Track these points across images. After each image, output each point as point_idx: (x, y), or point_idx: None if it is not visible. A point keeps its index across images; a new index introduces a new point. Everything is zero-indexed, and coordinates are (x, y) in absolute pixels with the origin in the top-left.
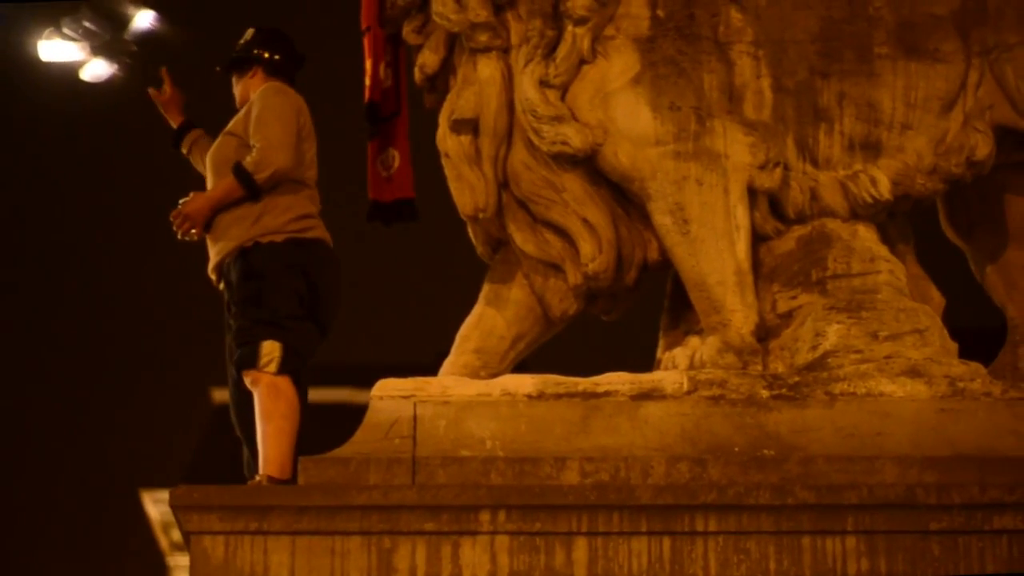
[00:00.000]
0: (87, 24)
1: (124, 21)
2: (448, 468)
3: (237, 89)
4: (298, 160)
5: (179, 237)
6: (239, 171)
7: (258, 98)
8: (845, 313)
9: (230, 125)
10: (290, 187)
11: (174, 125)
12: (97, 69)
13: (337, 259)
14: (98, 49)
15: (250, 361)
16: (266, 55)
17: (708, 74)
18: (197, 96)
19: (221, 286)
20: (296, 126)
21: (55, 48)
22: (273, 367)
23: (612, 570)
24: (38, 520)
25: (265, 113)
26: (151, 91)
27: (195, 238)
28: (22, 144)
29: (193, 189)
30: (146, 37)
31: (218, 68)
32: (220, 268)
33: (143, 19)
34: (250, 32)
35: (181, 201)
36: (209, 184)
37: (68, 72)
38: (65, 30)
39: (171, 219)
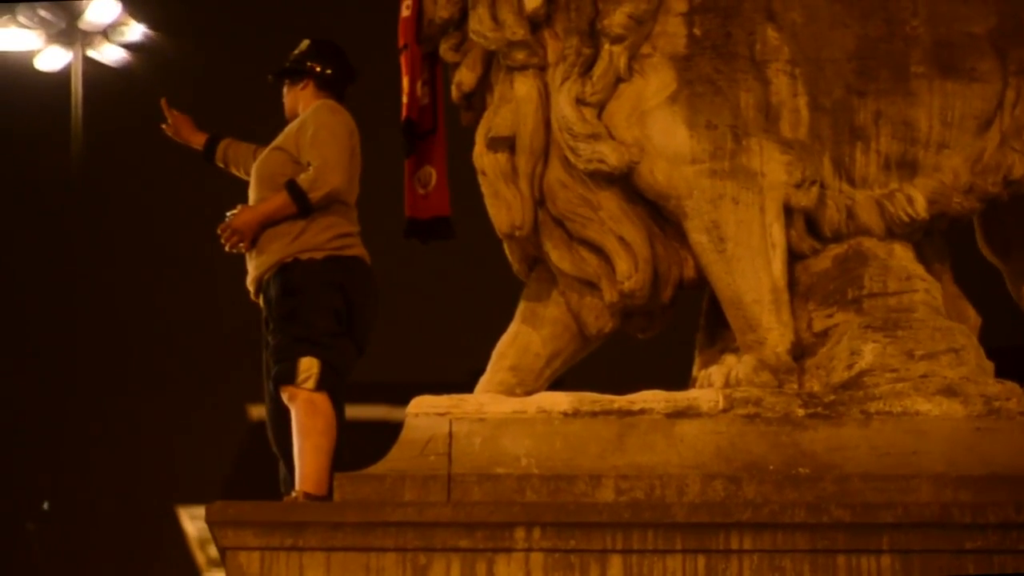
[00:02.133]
0: (42, 13)
1: (79, 10)
2: (483, 485)
3: (287, 99)
4: (349, 180)
5: (227, 249)
6: (293, 189)
7: (312, 116)
8: (881, 332)
9: (279, 140)
10: (333, 206)
11: (198, 146)
12: (52, 58)
13: (375, 277)
14: (53, 38)
15: (288, 377)
16: (319, 68)
17: (744, 92)
18: (194, 95)
19: (259, 300)
20: (350, 146)
21: (10, 37)
22: (311, 384)
23: None
24: (75, 536)
25: (322, 132)
26: (163, 127)
27: (243, 251)
28: None
29: (161, 181)
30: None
31: (270, 77)
32: (259, 283)
33: (98, 9)
34: (305, 43)
35: (229, 213)
36: (252, 195)
37: (23, 61)
38: (20, 19)
39: (219, 232)
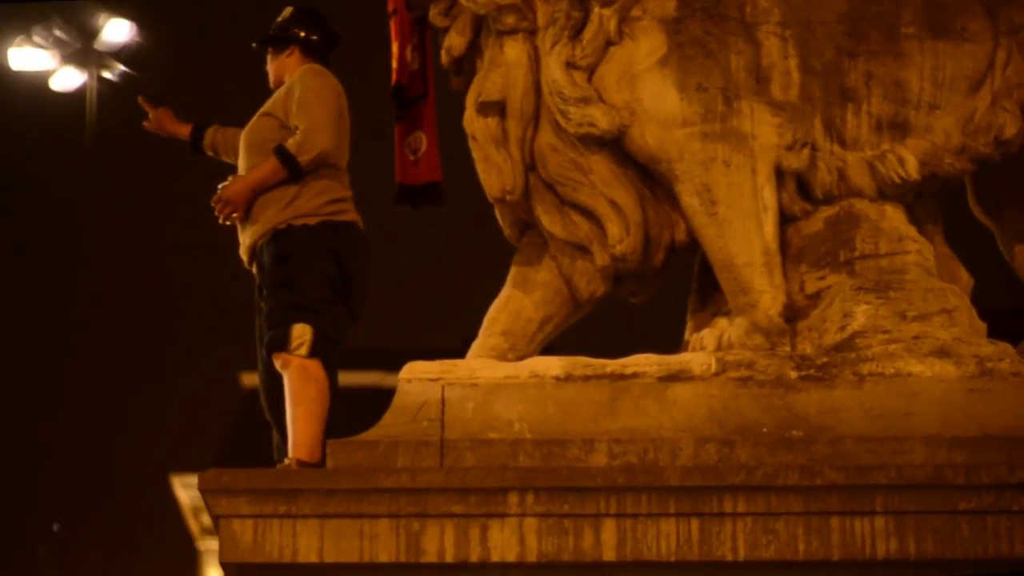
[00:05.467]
0: (58, 33)
1: (95, 30)
2: (476, 450)
3: (271, 67)
4: (338, 143)
5: (220, 222)
6: (282, 153)
7: (298, 80)
8: (873, 293)
9: (267, 106)
10: (324, 170)
11: (184, 136)
12: (67, 78)
13: (369, 243)
14: (68, 58)
15: (281, 344)
16: (303, 34)
17: (735, 55)
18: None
19: (253, 268)
20: (337, 109)
21: (25, 56)
22: (304, 350)
23: (641, 552)
24: (69, 505)
25: (308, 95)
26: (145, 125)
27: (237, 222)
28: None
29: (164, 190)
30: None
31: (254, 44)
32: (253, 250)
33: (113, 30)
34: (288, 10)
35: (220, 185)
36: (242, 163)
37: (38, 81)
38: (36, 38)
39: (212, 204)
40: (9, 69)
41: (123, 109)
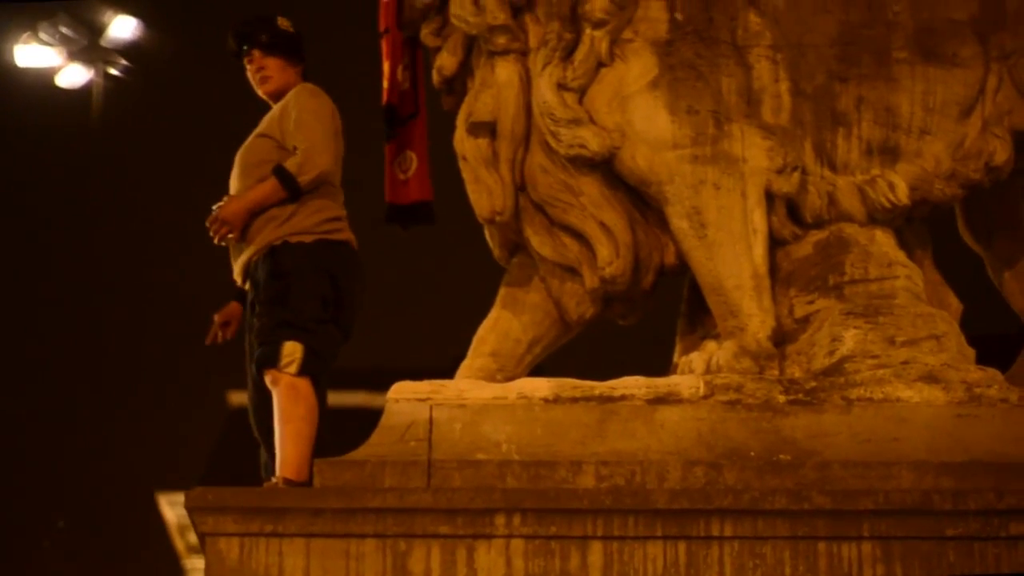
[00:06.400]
0: (64, 30)
1: (101, 27)
2: (463, 471)
3: (275, 73)
4: (335, 162)
5: (216, 242)
6: (282, 174)
7: (294, 100)
8: (862, 318)
9: (262, 126)
10: (321, 188)
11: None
12: (73, 75)
13: (362, 262)
14: (75, 55)
15: (271, 360)
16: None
17: (726, 78)
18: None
19: (247, 286)
20: (334, 128)
21: (32, 53)
22: (293, 368)
23: (627, 574)
24: (54, 521)
25: (305, 115)
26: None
27: (233, 242)
28: None
29: (169, 195)
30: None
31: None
32: (247, 267)
33: (120, 27)
34: (283, 20)
35: (216, 205)
36: (235, 184)
37: (44, 78)
38: (42, 35)
39: (207, 224)
40: (15, 66)
41: (129, 106)
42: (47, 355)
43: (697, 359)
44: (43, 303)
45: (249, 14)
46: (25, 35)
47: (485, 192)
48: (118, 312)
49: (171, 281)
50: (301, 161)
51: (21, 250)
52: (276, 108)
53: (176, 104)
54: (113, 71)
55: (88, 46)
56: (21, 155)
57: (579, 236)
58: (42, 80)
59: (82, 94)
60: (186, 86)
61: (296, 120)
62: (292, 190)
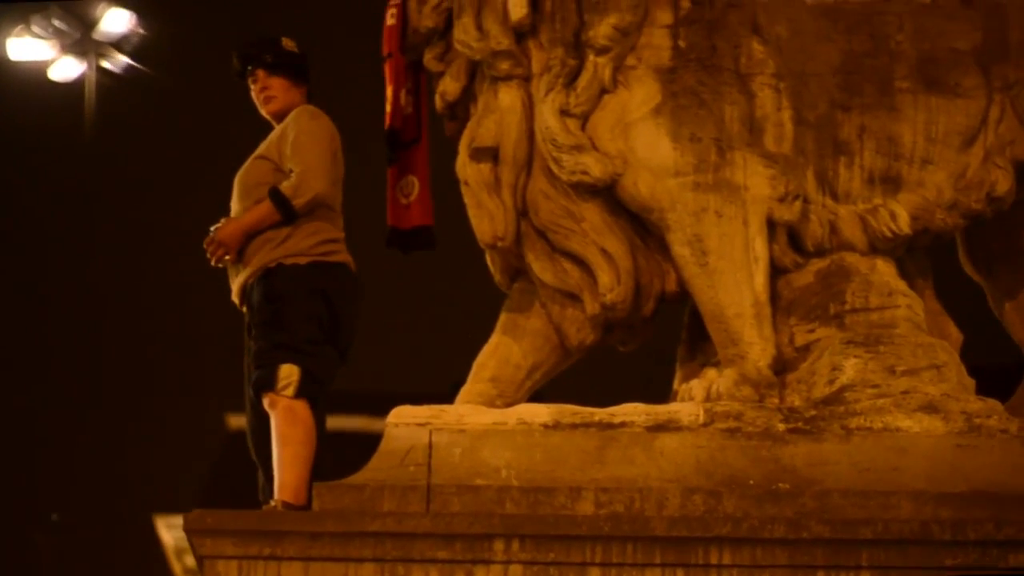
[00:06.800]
0: (57, 23)
1: (94, 20)
2: (463, 496)
3: (279, 93)
4: (332, 185)
5: (212, 264)
6: (276, 196)
7: (292, 122)
8: (863, 347)
9: (262, 148)
10: (318, 211)
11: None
12: (66, 68)
13: (359, 284)
14: (67, 48)
15: (268, 383)
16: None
17: (729, 105)
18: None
19: (244, 308)
20: (331, 151)
21: (24, 47)
22: (290, 391)
23: None
24: (52, 544)
25: (302, 138)
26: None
27: (229, 264)
28: None
29: (167, 194)
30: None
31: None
32: (244, 289)
33: (112, 20)
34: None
35: (213, 228)
36: (235, 206)
37: (37, 71)
38: (34, 28)
39: (204, 246)
40: (8, 59)
41: (122, 99)
42: (46, 377)
43: (697, 386)
44: (37, 315)
45: (240, 13)
46: (18, 28)
47: (487, 217)
48: (114, 333)
49: (171, 284)
50: (296, 184)
51: (20, 250)
52: (276, 130)
53: (169, 97)
54: (106, 64)
55: (81, 39)
56: (13, 149)
57: (580, 262)
58: (35, 73)
59: (75, 87)
60: (179, 79)
61: (293, 142)
62: (287, 213)
